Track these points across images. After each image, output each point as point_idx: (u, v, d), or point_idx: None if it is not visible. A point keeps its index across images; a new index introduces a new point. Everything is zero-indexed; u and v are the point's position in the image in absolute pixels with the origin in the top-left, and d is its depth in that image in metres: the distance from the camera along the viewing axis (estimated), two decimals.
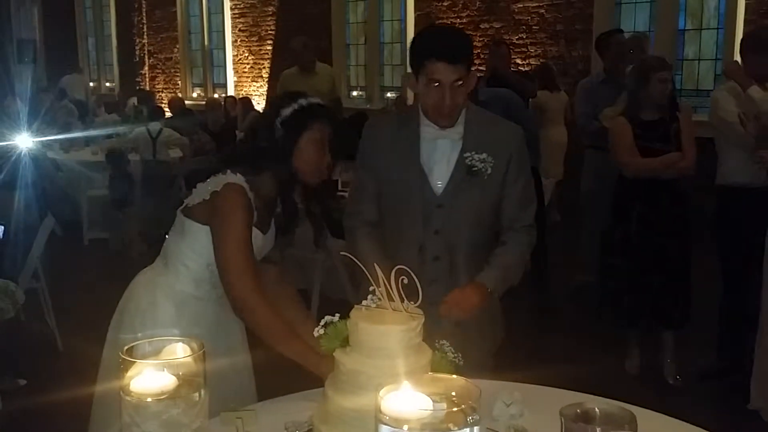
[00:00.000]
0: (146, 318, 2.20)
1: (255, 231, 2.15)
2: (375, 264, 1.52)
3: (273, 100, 2.23)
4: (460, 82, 2.22)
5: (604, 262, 4.44)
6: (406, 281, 1.50)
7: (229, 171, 2.12)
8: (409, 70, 2.37)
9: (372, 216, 2.42)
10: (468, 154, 2.30)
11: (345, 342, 1.55)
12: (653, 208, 4.13)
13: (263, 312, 2.05)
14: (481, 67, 8.53)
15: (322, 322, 1.60)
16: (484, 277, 2.32)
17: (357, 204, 2.46)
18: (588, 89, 5.68)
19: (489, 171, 2.30)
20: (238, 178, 2.10)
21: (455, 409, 1.09)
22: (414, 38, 2.35)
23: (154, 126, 7.55)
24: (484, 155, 2.30)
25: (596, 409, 1.62)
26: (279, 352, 2.05)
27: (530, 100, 6.36)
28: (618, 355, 4.41)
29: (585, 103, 5.62)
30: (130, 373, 1.26)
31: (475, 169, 2.29)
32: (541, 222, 5.52)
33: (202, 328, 2.16)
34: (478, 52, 9.15)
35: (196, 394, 1.27)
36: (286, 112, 2.15)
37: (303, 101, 2.18)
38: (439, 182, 2.34)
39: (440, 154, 2.34)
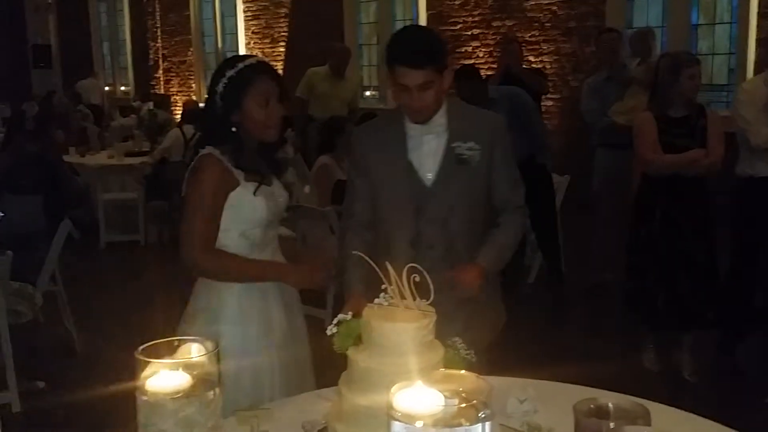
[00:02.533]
0: (208, 312, 2.30)
1: (250, 184, 2.26)
2: (387, 262, 1.53)
3: (213, 77, 2.32)
4: (429, 85, 2.29)
5: (629, 263, 4.33)
6: (418, 279, 1.51)
7: (200, 150, 2.27)
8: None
9: (364, 216, 2.50)
10: (456, 144, 2.40)
11: (358, 340, 1.56)
12: (677, 207, 4.06)
13: (211, 260, 2.24)
14: (493, 65, 8.55)
15: (335, 321, 1.61)
16: (480, 256, 2.41)
17: (350, 205, 2.55)
18: (593, 87, 5.73)
19: (477, 158, 2.41)
20: (208, 149, 2.25)
21: (466, 405, 1.10)
22: (388, 42, 2.39)
23: (189, 129, 7.52)
24: (471, 143, 2.40)
25: (610, 405, 1.62)
26: (251, 282, 2.28)
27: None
28: (635, 352, 4.39)
29: (591, 100, 5.65)
30: (145, 373, 1.27)
31: (464, 157, 2.40)
32: (552, 221, 5.54)
33: (266, 303, 2.31)
34: (491, 50, 9.16)
35: (211, 393, 1.28)
36: (220, 87, 2.25)
37: (231, 72, 2.25)
38: (429, 174, 2.42)
39: (428, 148, 2.42)
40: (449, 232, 2.43)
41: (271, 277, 2.33)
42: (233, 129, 2.26)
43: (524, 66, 7.04)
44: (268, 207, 2.30)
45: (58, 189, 5.94)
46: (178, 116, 9.33)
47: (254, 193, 2.27)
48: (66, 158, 7.34)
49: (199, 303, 2.32)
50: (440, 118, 2.41)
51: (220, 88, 2.25)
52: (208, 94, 2.33)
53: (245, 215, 2.28)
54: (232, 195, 2.26)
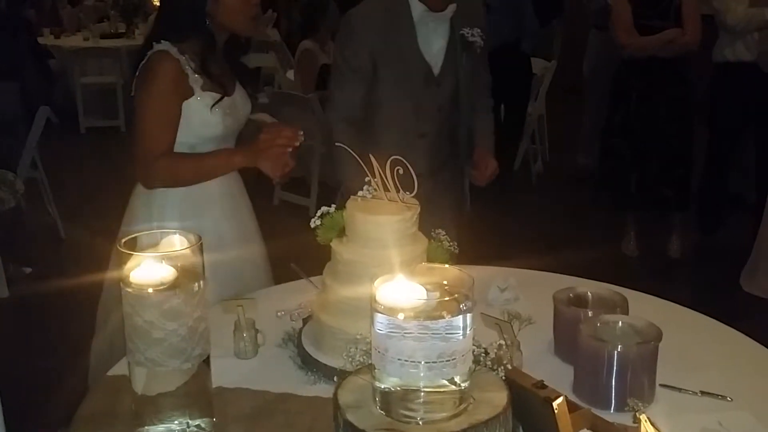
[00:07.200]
0: (153, 212, 2.14)
1: (207, 95, 2.02)
2: (370, 154, 1.51)
3: None
4: None
5: (603, 146, 4.44)
6: (401, 171, 1.50)
7: (154, 43, 2.00)
8: None
9: (354, 112, 2.35)
10: (464, 30, 2.34)
11: (341, 232, 1.56)
12: (653, 89, 4.09)
13: (163, 164, 2.00)
14: None
15: (319, 213, 1.60)
16: (486, 143, 2.49)
17: (338, 99, 2.37)
18: None
19: (481, 45, 2.37)
20: (163, 45, 1.99)
21: (448, 297, 1.11)
22: None
23: None
24: (477, 30, 2.35)
25: (588, 293, 1.66)
26: (207, 179, 2.08)
27: None
28: (615, 239, 4.48)
29: None
30: (129, 265, 1.27)
31: (473, 42, 2.35)
32: (521, 110, 5.49)
33: (213, 212, 2.14)
34: None
35: (196, 285, 1.29)
36: None
37: None
38: (436, 61, 2.35)
39: (435, 34, 2.35)
40: (442, 120, 2.43)
41: (222, 165, 2.08)
42: (205, 21, 1.99)
43: None
44: (224, 124, 2.07)
45: (33, 74, 5.78)
46: None
47: (211, 109, 2.02)
48: (40, 41, 7.12)
49: (139, 201, 2.16)
50: (453, 5, 2.32)
51: None
52: None
53: (195, 130, 2.04)
54: (184, 105, 2.00)
